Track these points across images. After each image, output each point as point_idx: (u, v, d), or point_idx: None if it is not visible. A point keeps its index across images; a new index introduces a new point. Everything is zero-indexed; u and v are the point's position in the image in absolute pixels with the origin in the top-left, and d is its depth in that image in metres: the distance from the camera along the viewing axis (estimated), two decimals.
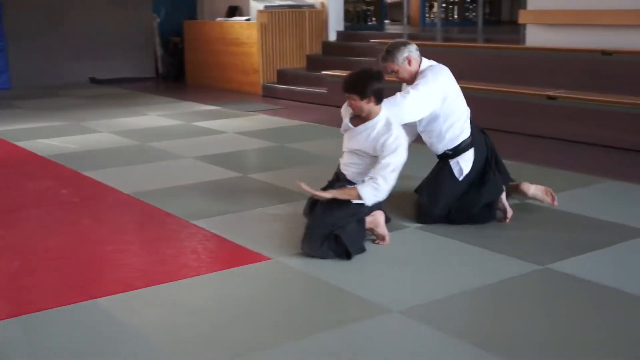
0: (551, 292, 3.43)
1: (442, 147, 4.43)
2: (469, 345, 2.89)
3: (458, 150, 4.40)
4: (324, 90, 9.60)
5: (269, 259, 3.90)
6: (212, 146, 6.95)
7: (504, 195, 4.43)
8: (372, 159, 4.03)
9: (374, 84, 3.99)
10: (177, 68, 12.82)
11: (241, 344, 2.97)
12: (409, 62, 4.39)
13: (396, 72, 4.42)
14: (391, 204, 4.35)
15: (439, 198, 4.35)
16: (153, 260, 3.98)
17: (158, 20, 13.00)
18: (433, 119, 4.39)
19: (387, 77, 4.19)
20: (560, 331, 3.01)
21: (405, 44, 4.43)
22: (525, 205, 4.70)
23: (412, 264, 3.82)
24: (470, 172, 4.39)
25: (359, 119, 4.13)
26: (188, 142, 7.22)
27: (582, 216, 4.49)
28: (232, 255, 4.03)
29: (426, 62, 4.47)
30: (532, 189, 4.57)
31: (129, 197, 5.21)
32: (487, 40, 9.03)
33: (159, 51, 13.09)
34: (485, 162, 4.42)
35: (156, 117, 8.84)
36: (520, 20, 8.25)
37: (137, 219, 4.80)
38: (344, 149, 4.23)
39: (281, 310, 3.31)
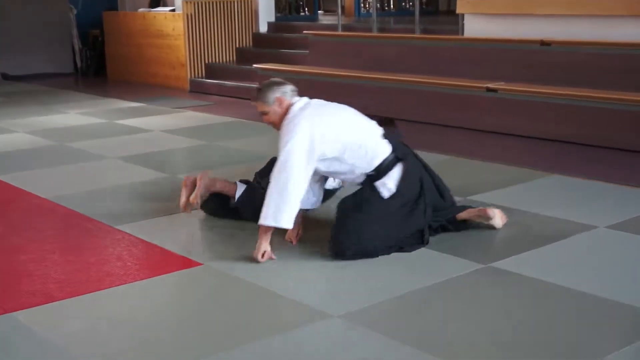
0: (494, 291, 3.48)
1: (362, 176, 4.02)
2: (412, 348, 2.91)
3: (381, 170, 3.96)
4: (255, 85, 9.54)
5: (200, 264, 3.86)
6: (137, 145, 6.84)
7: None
8: None
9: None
10: (98, 62, 12.60)
11: (172, 356, 2.93)
12: (280, 104, 3.98)
13: (266, 115, 4.03)
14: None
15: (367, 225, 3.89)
16: (74, 269, 3.89)
17: (75, 11, 12.74)
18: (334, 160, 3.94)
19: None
20: (503, 330, 3.06)
21: (280, 84, 4.03)
22: (468, 203, 4.76)
23: (351, 267, 3.82)
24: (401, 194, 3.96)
25: None
26: (111, 141, 7.09)
27: (524, 212, 4.57)
28: (161, 261, 3.97)
29: (297, 106, 3.97)
30: (497, 216, 4.22)
31: (47, 201, 5.09)
32: (425, 31, 9.13)
33: (77, 44, 12.83)
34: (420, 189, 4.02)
35: (76, 115, 8.67)
36: (458, 10, 8.37)
37: (57, 225, 4.69)
38: None
39: (215, 318, 3.28)
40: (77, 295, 3.50)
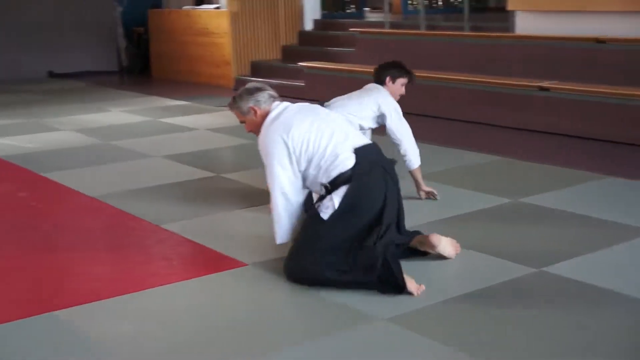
0: (547, 297, 3.43)
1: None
2: (460, 353, 2.88)
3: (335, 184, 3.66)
4: (301, 83, 9.58)
5: (245, 264, 3.87)
6: (182, 144, 6.89)
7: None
8: None
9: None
10: (142, 60, 12.74)
11: (217, 357, 2.94)
12: (255, 113, 3.85)
13: (244, 124, 3.94)
14: None
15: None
16: (119, 269, 3.93)
17: (120, 9, 12.90)
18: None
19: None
20: (557, 336, 3.01)
21: (253, 92, 3.86)
22: (519, 206, 4.71)
23: None
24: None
25: None
26: (156, 140, 7.16)
27: (578, 215, 4.50)
28: (206, 261, 3.99)
29: (273, 114, 3.81)
30: (442, 243, 3.81)
31: (92, 200, 5.16)
32: (474, 29, 9.05)
33: (122, 42, 12.99)
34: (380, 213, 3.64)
35: (121, 113, 8.77)
36: (509, 7, 8.28)
37: (102, 224, 4.75)
38: None
39: (260, 319, 3.29)
40: (123, 294, 3.54)
